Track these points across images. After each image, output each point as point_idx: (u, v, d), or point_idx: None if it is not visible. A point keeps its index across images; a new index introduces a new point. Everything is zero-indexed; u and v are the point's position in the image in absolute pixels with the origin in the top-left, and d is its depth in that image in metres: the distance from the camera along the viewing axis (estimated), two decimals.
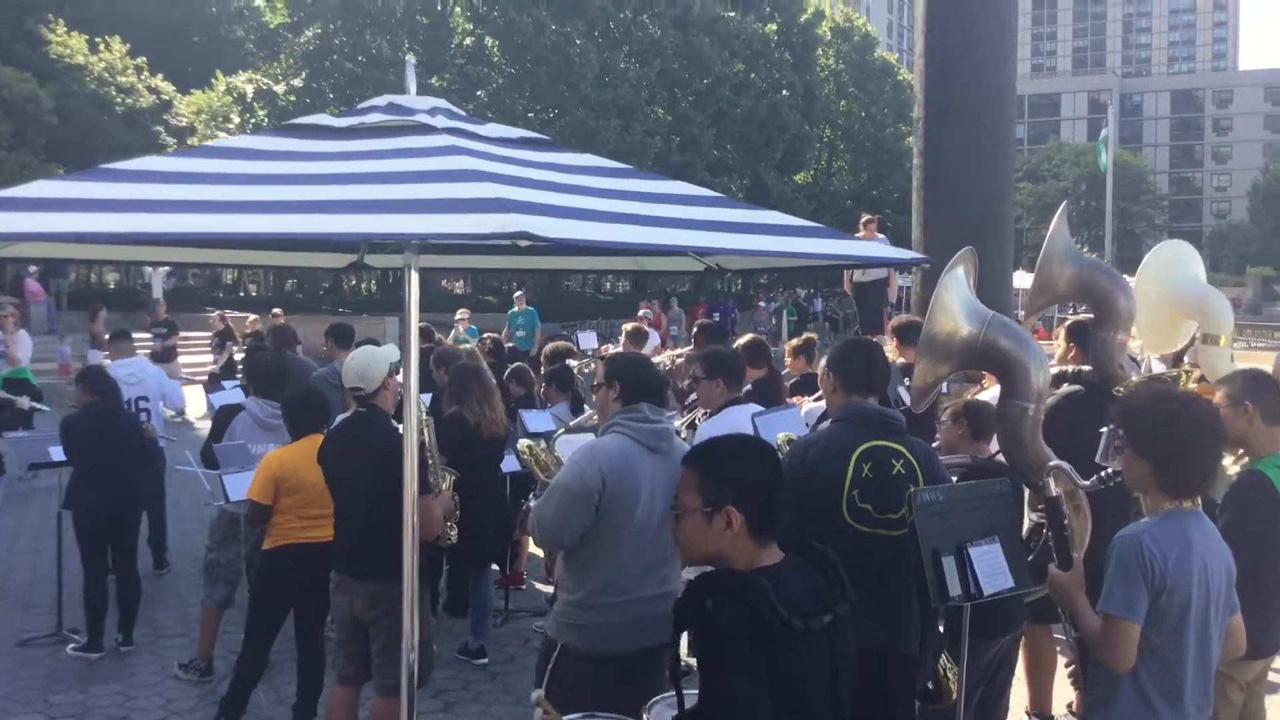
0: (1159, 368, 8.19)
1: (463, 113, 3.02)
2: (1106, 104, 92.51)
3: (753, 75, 48.45)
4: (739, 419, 5.01)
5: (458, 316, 24.39)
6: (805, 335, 9.47)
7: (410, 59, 3.15)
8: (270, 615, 5.88)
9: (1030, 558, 4.09)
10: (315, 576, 5.41)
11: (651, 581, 4.01)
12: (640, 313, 22.76)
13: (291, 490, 5.62)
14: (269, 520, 5.72)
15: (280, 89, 36.74)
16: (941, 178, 15.21)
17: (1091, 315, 5.69)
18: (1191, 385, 7.49)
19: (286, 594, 5.80)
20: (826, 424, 4.31)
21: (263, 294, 44.40)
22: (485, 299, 42.04)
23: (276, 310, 22.55)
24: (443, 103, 3.00)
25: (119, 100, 34.89)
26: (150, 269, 30.88)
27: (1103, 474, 3.82)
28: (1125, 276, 6.26)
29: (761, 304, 40.49)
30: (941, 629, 4.18)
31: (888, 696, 3.84)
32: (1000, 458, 4.57)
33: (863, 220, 16.78)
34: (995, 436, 4.66)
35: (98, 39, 35.40)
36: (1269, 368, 5.60)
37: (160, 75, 37.22)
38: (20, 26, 33.87)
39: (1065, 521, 3.62)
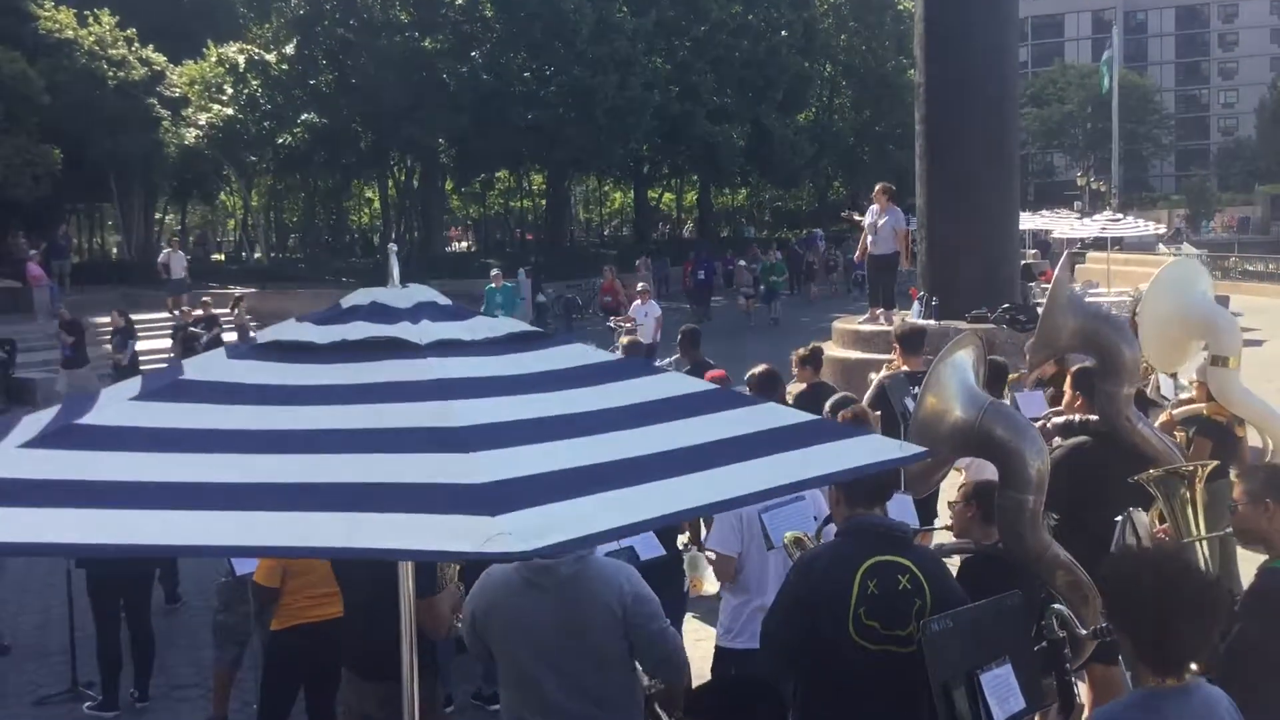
0: (1168, 385, 8.13)
1: (447, 302, 2.93)
2: (1111, 22, 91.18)
3: (750, 16, 47.67)
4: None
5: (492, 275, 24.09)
6: (812, 345, 9.36)
7: (393, 248, 3.05)
8: (281, 698, 5.87)
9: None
10: (327, 656, 5.39)
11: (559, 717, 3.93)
12: (639, 285, 22.53)
13: (299, 572, 5.59)
14: (277, 601, 5.70)
15: (272, 58, 36.28)
16: (942, 110, 15.18)
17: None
18: (1200, 406, 7.46)
19: (298, 675, 5.79)
20: (831, 533, 4.27)
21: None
22: (487, 262, 41.89)
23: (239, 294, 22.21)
24: (425, 294, 2.91)
25: (111, 74, 34.46)
26: (167, 248, 30.36)
27: (1098, 628, 3.76)
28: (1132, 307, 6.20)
29: (743, 263, 38.64)
30: None
31: None
32: None
33: (878, 188, 16.61)
34: None
35: (86, 11, 34.93)
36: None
37: (151, 46, 36.75)
38: (6, 2, 33.43)
39: (1068, 665, 3.57)
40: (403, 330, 2.70)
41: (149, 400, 2.54)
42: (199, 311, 22.95)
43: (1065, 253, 6.15)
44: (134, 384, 2.85)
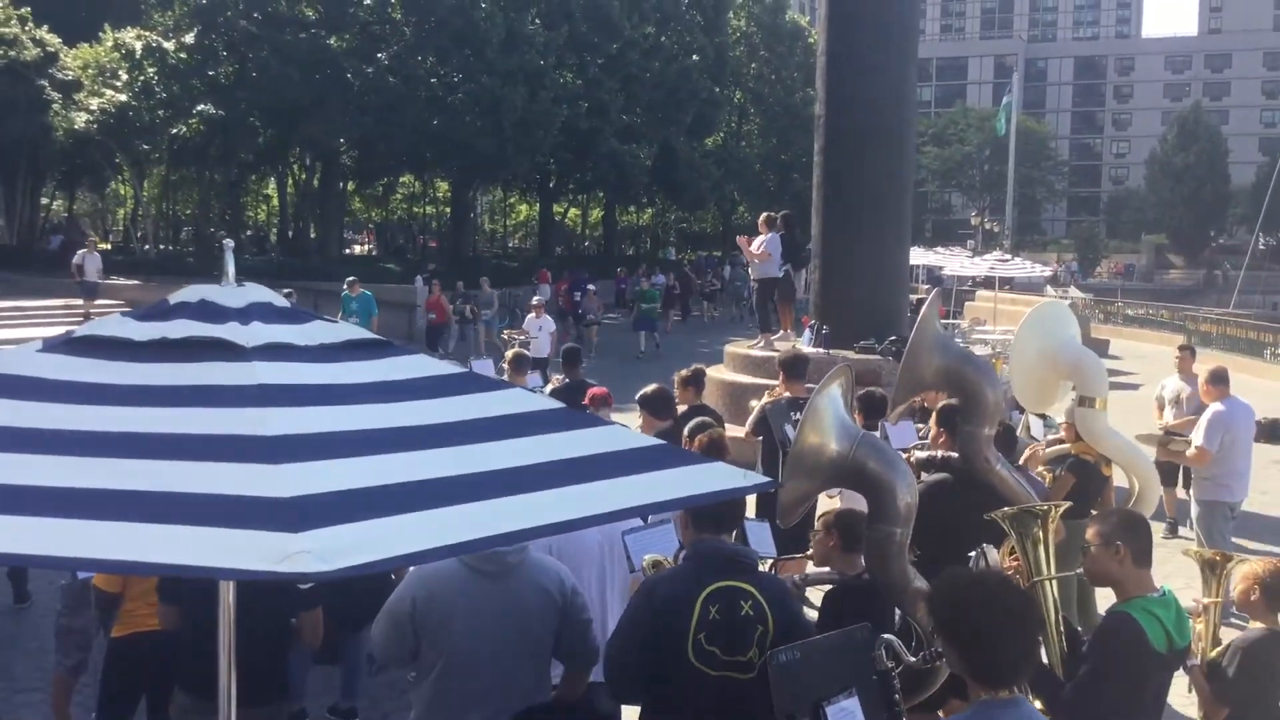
0: (1037, 425, 8.29)
1: (283, 301, 2.79)
2: (1012, 68, 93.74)
3: (663, 39, 47.94)
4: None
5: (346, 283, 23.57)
6: (694, 366, 9.35)
7: (229, 243, 2.90)
8: (121, 707, 5.62)
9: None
10: (169, 665, 5.15)
11: (483, 709, 3.93)
12: (534, 299, 22.32)
13: (141, 578, 5.35)
14: (118, 607, 5.46)
15: (171, 45, 35.31)
16: (840, 143, 15.37)
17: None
18: (1068, 445, 7.61)
19: (139, 684, 5.54)
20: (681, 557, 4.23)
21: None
22: (387, 267, 41.31)
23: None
24: (261, 294, 2.76)
25: (1, 53, 33.26)
26: (83, 249, 28.96)
27: (929, 652, 3.78)
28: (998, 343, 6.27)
29: (592, 287, 33.09)
30: None
31: None
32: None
33: (761, 218, 16.81)
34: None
35: None
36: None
37: (45, 27, 35.56)
38: None
39: (897, 696, 3.56)
40: (229, 331, 2.56)
41: None
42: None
43: (933, 290, 6.16)
44: None
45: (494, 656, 3.95)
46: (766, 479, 2.84)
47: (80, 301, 27.25)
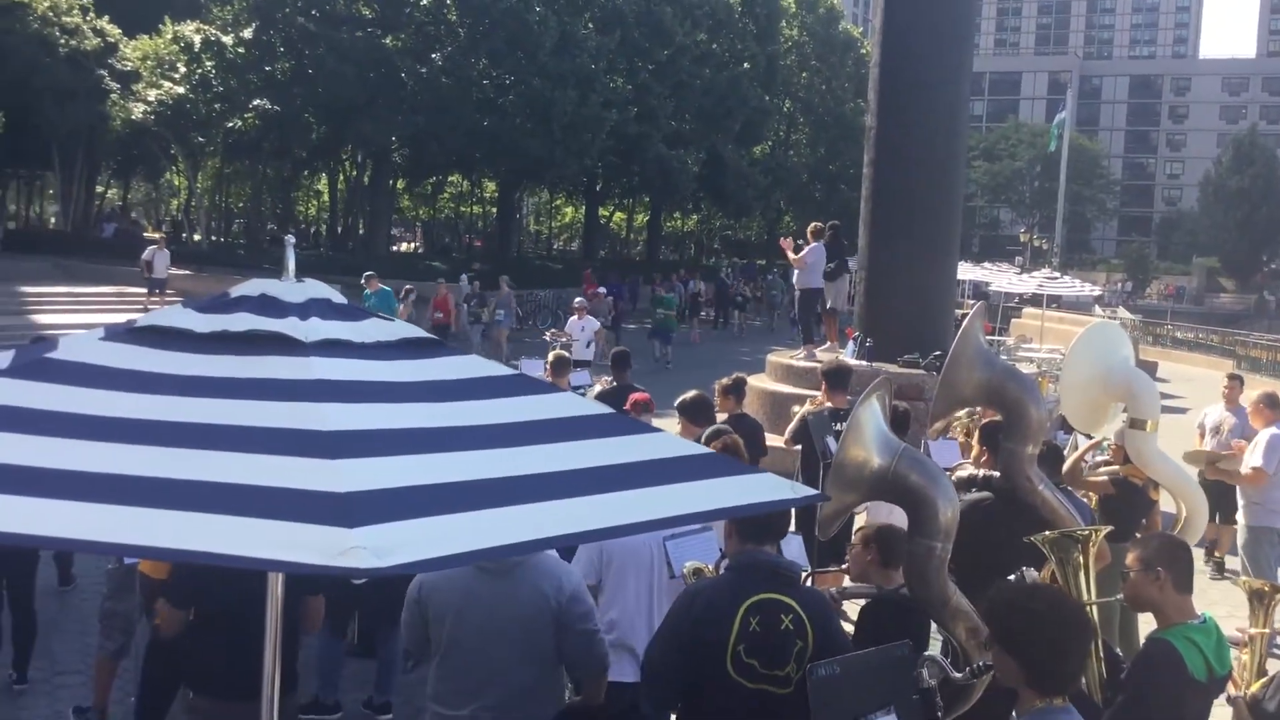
0: (1085, 444, 8.21)
1: (341, 299, 2.83)
2: (1066, 85, 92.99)
3: (714, 46, 48.00)
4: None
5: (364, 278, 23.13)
6: (735, 375, 9.32)
7: (290, 239, 2.94)
8: (160, 693, 5.69)
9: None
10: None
11: (481, 702, 4.00)
12: (576, 300, 22.22)
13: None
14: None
15: (229, 40, 35.78)
16: (891, 157, 15.29)
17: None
18: (1117, 467, 7.53)
19: (179, 672, 5.60)
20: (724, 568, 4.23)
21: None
22: (432, 265, 41.56)
23: None
24: (320, 290, 2.80)
25: (63, 42, 33.81)
26: (152, 245, 29.31)
27: (975, 666, 3.74)
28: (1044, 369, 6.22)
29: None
30: None
31: None
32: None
33: (810, 227, 16.75)
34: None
35: None
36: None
37: (106, 17, 36.12)
38: None
39: (939, 714, 3.54)
40: (289, 326, 2.59)
41: (8, 377, 2.42)
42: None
43: (979, 304, 6.09)
44: (3, 357, 2.72)
45: (487, 653, 4.00)
46: (814, 491, 2.84)
47: (140, 291, 27.64)
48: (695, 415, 7.76)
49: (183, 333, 2.59)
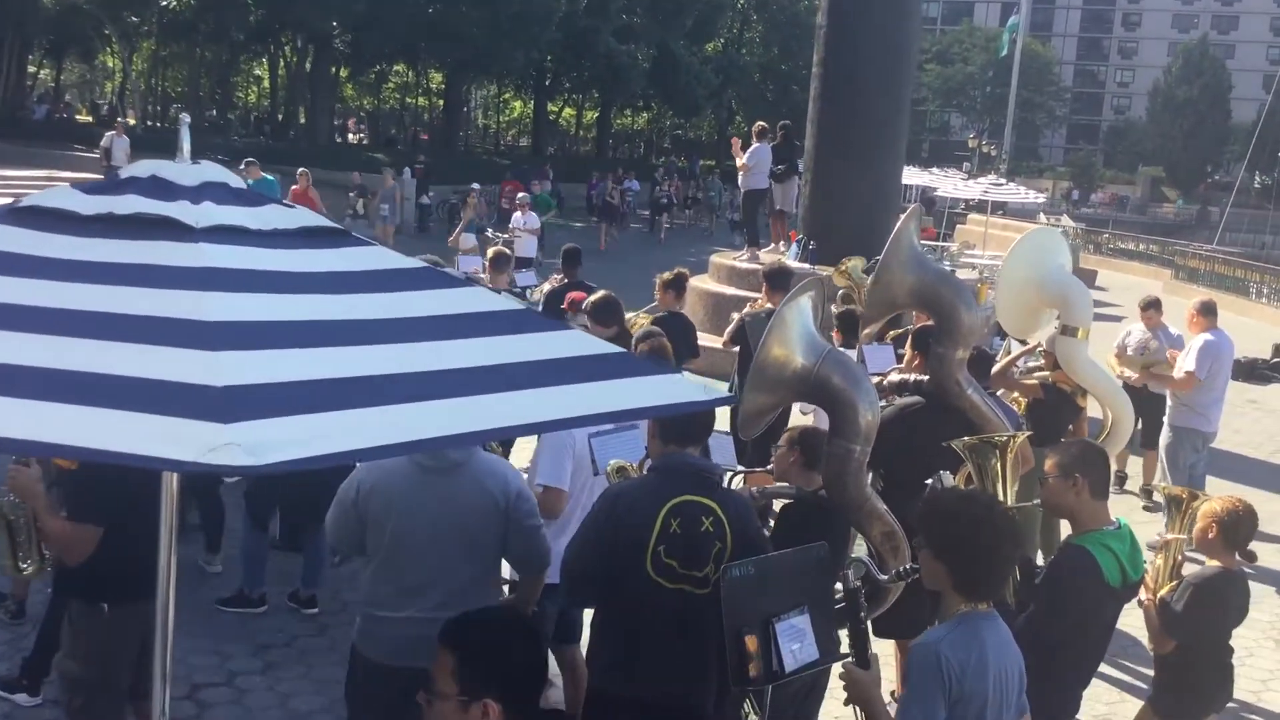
0: (1018, 349, 8.25)
1: (239, 183, 2.69)
2: None
3: None
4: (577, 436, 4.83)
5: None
6: (677, 269, 9.21)
7: (185, 118, 2.79)
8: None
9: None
10: None
11: (420, 603, 3.91)
12: (518, 195, 21.75)
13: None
14: None
15: None
16: (840, 54, 15.12)
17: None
18: (1047, 372, 7.58)
19: None
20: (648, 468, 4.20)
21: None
22: (376, 156, 40.72)
23: None
24: (217, 173, 2.66)
25: None
26: (111, 132, 27.98)
27: (901, 569, 3.75)
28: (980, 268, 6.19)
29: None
30: None
31: None
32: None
33: (755, 127, 16.54)
34: None
35: None
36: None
37: None
38: None
39: (862, 615, 3.55)
40: (179, 210, 2.45)
41: None
42: None
43: (912, 207, 6.02)
44: None
45: (431, 552, 3.93)
46: (725, 394, 2.78)
47: (71, 175, 26.74)
48: (602, 316, 7.50)
49: (67, 214, 2.45)
